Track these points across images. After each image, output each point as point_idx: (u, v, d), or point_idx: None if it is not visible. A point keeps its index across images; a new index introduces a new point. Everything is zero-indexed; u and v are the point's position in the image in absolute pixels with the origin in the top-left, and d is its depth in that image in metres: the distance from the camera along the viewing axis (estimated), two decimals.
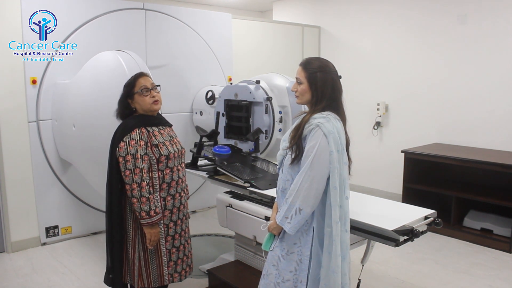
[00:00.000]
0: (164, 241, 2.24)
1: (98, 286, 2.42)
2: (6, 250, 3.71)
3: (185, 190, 2.36)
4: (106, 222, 2.28)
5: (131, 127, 2.15)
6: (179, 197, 2.29)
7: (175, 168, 2.24)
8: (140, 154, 2.11)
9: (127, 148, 2.10)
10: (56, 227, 3.90)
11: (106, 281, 2.33)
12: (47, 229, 3.85)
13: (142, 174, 2.10)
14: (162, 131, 2.26)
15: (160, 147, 2.18)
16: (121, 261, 2.27)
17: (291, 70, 4.99)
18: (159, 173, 2.19)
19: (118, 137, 2.16)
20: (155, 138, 2.19)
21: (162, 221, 2.21)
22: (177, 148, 2.28)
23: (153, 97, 2.22)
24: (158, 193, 2.19)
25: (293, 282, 1.85)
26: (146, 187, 2.10)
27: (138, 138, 2.13)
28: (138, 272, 2.25)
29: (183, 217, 2.34)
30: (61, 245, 3.87)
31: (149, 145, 2.15)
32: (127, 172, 2.09)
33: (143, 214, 2.09)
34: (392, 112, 5.27)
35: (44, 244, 3.85)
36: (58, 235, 3.91)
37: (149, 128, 2.20)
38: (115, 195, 2.18)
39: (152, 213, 2.11)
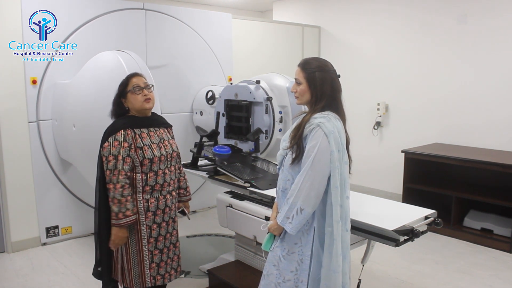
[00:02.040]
0: (146, 243, 2.22)
1: (98, 286, 2.42)
2: (6, 250, 3.71)
3: (173, 193, 2.33)
4: (94, 217, 2.30)
5: (117, 128, 2.16)
6: (164, 200, 2.27)
7: (160, 172, 2.23)
8: (122, 156, 2.12)
9: (110, 148, 2.12)
10: (56, 227, 3.90)
11: (95, 273, 2.36)
12: (47, 229, 3.85)
13: (119, 176, 2.10)
14: (152, 133, 2.25)
15: (145, 150, 2.17)
16: (109, 257, 2.28)
17: (291, 70, 4.97)
18: (143, 175, 2.18)
19: (104, 137, 2.18)
20: (142, 140, 2.19)
21: (144, 222, 2.20)
22: (166, 151, 2.25)
23: (145, 95, 2.22)
24: (141, 195, 2.19)
25: (294, 282, 1.85)
26: (120, 189, 2.10)
27: (122, 139, 2.13)
28: (121, 271, 2.26)
29: (169, 219, 2.31)
30: (61, 245, 3.87)
31: (133, 147, 2.15)
32: (107, 172, 2.12)
33: (113, 214, 2.11)
34: (392, 112, 5.27)
35: (44, 244, 3.85)
36: (58, 235, 3.92)
37: (136, 130, 2.19)
38: (103, 193, 2.19)
39: (120, 215, 2.10)
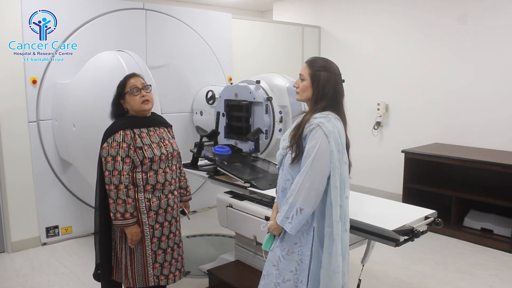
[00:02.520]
0: (149, 242, 2.22)
1: (98, 286, 2.42)
2: (6, 250, 3.71)
3: (175, 193, 2.33)
4: (95, 218, 2.30)
5: (116, 129, 2.16)
6: (166, 199, 2.26)
7: (160, 171, 2.23)
8: (121, 156, 2.12)
9: (108, 149, 2.13)
10: (57, 227, 3.90)
11: (95, 275, 2.38)
12: (47, 229, 3.85)
13: (120, 177, 2.10)
14: (151, 133, 2.25)
15: (145, 150, 2.17)
16: (109, 258, 2.28)
17: (291, 70, 4.99)
18: (143, 175, 2.18)
19: (103, 138, 2.18)
20: (141, 140, 2.18)
21: (147, 222, 2.20)
22: (166, 150, 2.25)
23: (143, 96, 2.21)
24: (142, 194, 2.19)
25: (294, 282, 1.85)
26: (124, 189, 2.10)
27: (121, 140, 2.13)
28: (124, 271, 2.25)
29: (172, 219, 2.31)
30: (61, 245, 3.87)
31: (132, 147, 2.15)
32: (106, 173, 2.12)
33: (118, 215, 2.11)
34: (392, 112, 5.27)
35: (44, 244, 3.85)
36: (59, 235, 3.92)
37: (136, 130, 2.19)
38: (103, 193, 2.19)
39: (127, 215, 2.11)
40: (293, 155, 1.83)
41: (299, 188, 1.76)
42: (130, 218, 2.12)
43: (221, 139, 3.64)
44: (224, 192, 2.92)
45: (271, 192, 2.59)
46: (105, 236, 2.25)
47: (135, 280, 2.23)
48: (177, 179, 2.37)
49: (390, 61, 5.23)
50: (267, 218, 2.37)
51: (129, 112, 2.25)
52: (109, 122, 2.26)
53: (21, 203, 3.72)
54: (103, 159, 2.14)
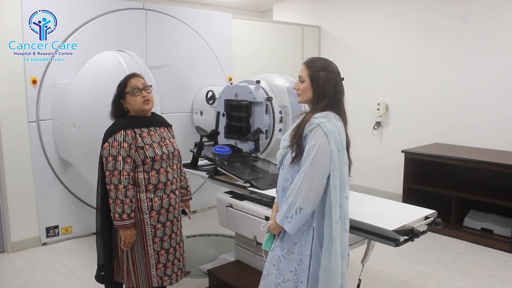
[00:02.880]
0: (151, 242, 2.22)
1: (98, 286, 2.42)
2: (6, 250, 3.71)
3: (176, 192, 2.33)
4: (96, 218, 2.30)
5: (117, 129, 2.17)
6: (168, 199, 2.27)
7: (162, 170, 2.23)
8: (122, 156, 2.12)
9: (109, 149, 2.13)
10: (57, 227, 3.90)
11: (97, 277, 2.37)
12: (47, 229, 3.86)
13: (120, 177, 2.10)
14: (152, 132, 2.25)
15: (146, 149, 2.17)
16: (111, 259, 2.28)
17: (291, 70, 4.99)
18: (145, 174, 2.18)
19: (104, 137, 2.19)
20: (142, 139, 2.19)
21: (149, 221, 2.20)
22: (167, 150, 2.26)
23: (144, 96, 2.22)
24: (144, 194, 2.19)
25: (294, 282, 1.85)
26: (123, 189, 2.10)
27: (122, 140, 2.14)
28: (126, 272, 2.25)
29: (174, 219, 2.31)
30: (61, 245, 3.87)
31: (133, 147, 2.15)
32: (107, 173, 2.12)
33: (116, 215, 2.11)
34: (392, 112, 5.27)
35: (45, 244, 3.85)
36: (59, 235, 3.92)
37: (136, 130, 2.20)
38: (104, 193, 2.19)
39: (124, 216, 2.10)
40: (293, 155, 1.83)
41: (299, 187, 1.76)
42: (127, 219, 2.11)
43: (221, 139, 3.65)
44: (224, 192, 2.92)
45: (271, 192, 2.59)
46: (107, 236, 2.25)
47: (138, 281, 2.23)
48: (178, 179, 2.37)
49: (390, 61, 5.23)
50: (267, 218, 2.38)
51: (129, 112, 2.25)
52: (109, 122, 2.26)
53: (21, 203, 3.72)
54: (104, 159, 2.14)
